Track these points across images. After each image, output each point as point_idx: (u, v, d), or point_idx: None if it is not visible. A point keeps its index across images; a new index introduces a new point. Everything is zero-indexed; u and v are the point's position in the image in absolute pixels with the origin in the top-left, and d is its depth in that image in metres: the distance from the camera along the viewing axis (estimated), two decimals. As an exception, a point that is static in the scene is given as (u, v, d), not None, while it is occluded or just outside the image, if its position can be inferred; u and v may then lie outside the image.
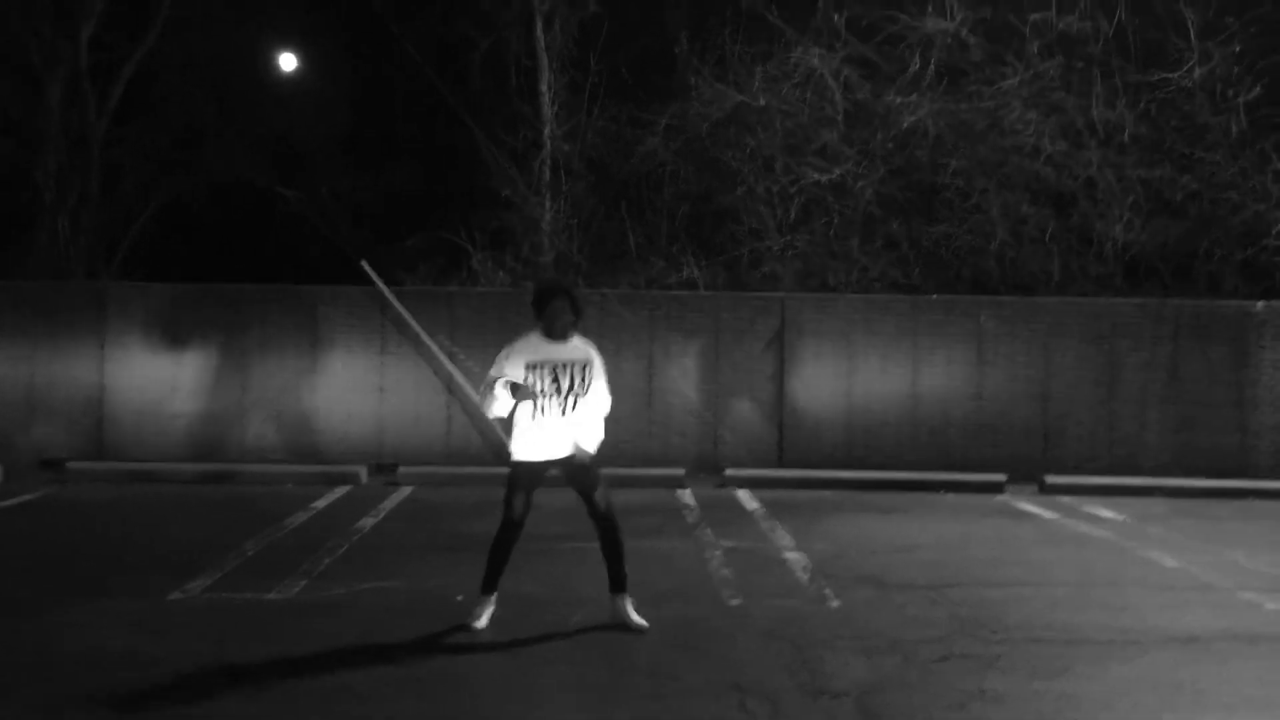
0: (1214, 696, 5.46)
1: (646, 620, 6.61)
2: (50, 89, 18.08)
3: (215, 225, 21.05)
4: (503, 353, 6.50)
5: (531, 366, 6.39)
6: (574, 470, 6.50)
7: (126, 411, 13.55)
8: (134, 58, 18.94)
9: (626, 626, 6.47)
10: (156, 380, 13.59)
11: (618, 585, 6.63)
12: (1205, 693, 5.51)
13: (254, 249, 20.49)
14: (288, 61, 17.87)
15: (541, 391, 6.35)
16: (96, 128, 18.78)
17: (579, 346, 6.52)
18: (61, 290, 14.26)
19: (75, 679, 5.48)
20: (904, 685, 5.54)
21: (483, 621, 6.45)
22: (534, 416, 6.40)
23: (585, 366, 6.47)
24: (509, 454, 6.59)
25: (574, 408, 6.40)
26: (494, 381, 6.40)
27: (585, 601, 7.04)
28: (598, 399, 6.55)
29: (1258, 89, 15.27)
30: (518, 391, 6.29)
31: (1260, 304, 13.92)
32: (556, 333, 6.44)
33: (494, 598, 6.57)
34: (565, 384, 6.40)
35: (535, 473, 6.55)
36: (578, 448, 6.44)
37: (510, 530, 6.62)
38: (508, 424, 6.62)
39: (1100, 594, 7.60)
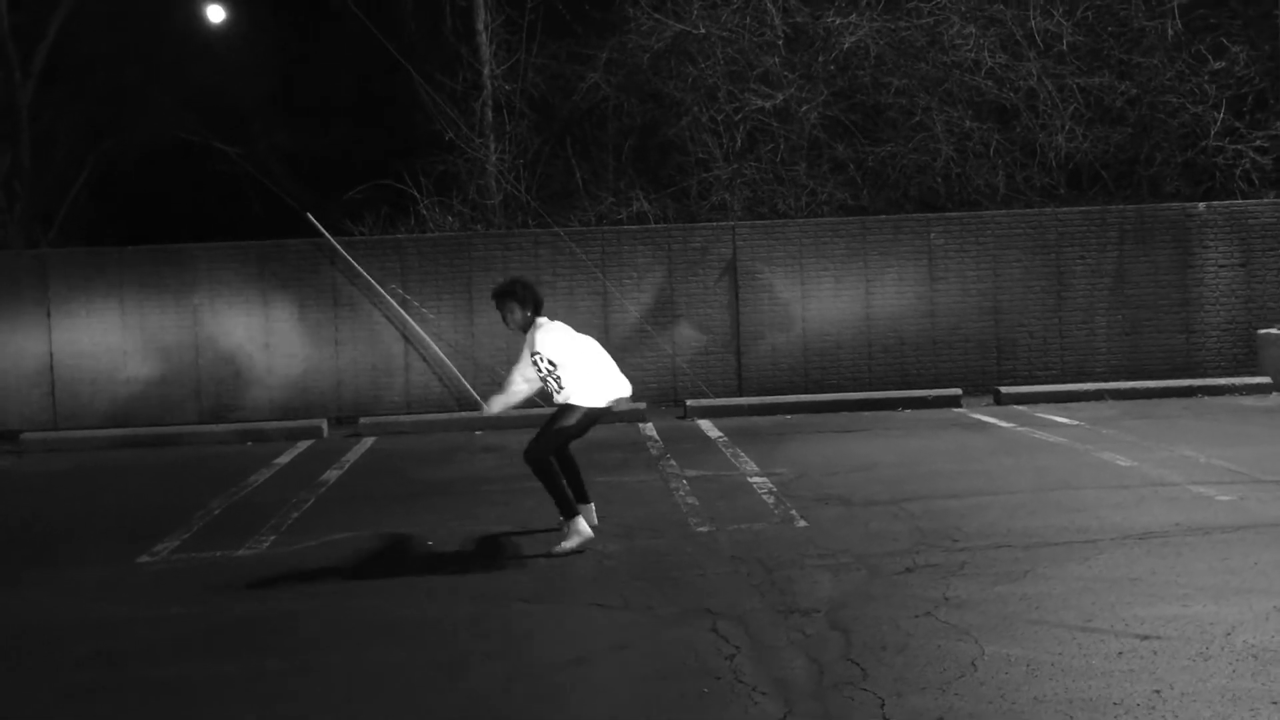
0: (1170, 588, 5.63)
1: (617, 553, 6.76)
2: (-30, 54, 17.61)
3: (152, 187, 20.70)
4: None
5: (530, 358, 6.95)
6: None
7: (78, 380, 13.40)
8: (57, 17, 18.43)
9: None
10: (107, 347, 13.43)
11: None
12: (1161, 585, 5.69)
13: (194, 209, 20.20)
14: (215, 13, 17.45)
15: (543, 376, 6.93)
16: (23, 92, 18.31)
17: (531, 338, 6.91)
18: (2, 260, 14.00)
19: (49, 648, 5.48)
20: (871, 597, 5.67)
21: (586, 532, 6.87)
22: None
23: (536, 355, 6.85)
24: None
25: (560, 387, 6.87)
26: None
27: (554, 539, 7.11)
28: (576, 369, 6.87)
29: (1192, -10, 15.35)
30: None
31: (1202, 205, 14.12)
32: (513, 329, 7.07)
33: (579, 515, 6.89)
34: (540, 370, 6.90)
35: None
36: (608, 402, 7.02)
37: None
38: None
39: (1057, 497, 7.79)
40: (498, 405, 7.20)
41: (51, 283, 13.42)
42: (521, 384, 7.14)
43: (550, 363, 6.83)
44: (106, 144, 19.85)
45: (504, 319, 7.03)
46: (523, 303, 6.94)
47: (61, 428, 13.20)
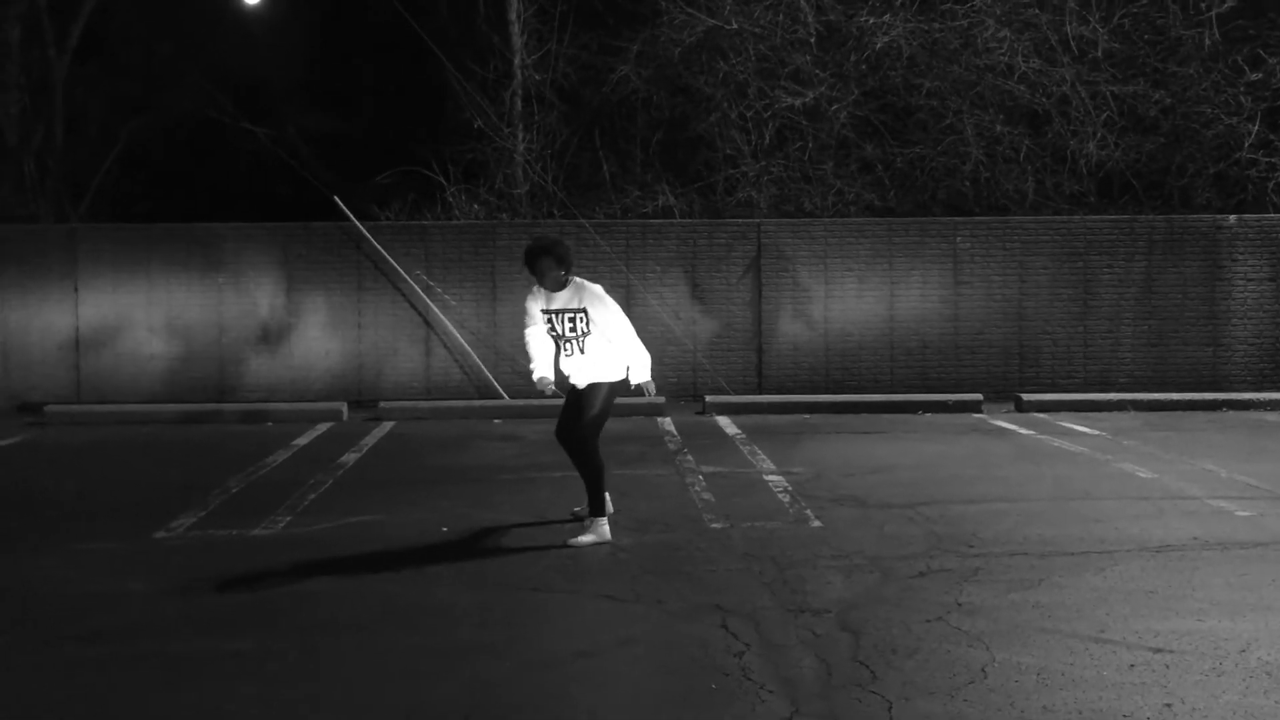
0: (1185, 602, 5.59)
1: (630, 546, 6.76)
2: (8, 28, 17.73)
3: (181, 165, 20.81)
4: (527, 300, 7.15)
5: (545, 313, 7.03)
6: (582, 396, 7.01)
7: (103, 354, 13.50)
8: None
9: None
10: (132, 322, 13.53)
11: (589, 509, 7.03)
12: (1177, 598, 5.64)
13: (222, 188, 20.30)
14: (250, -7, 17.51)
15: (550, 334, 7.03)
16: (57, 67, 18.45)
17: (572, 295, 6.96)
18: (33, 233, 14.12)
19: (61, 619, 5.52)
20: (883, 600, 5.65)
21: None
22: (559, 355, 7.08)
23: (578, 313, 6.93)
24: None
25: (582, 349, 6.95)
26: (528, 341, 7.21)
27: (568, 530, 7.11)
28: (614, 335, 6.98)
29: (1231, 0, 15.19)
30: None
31: (1233, 217, 13.99)
32: (548, 287, 7.00)
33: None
34: (562, 329, 6.95)
35: (568, 397, 7.12)
36: (635, 384, 7.17)
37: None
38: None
39: (1075, 507, 7.73)
40: (549, 372, 7.10)
41: (80, 257, 13.52)
42: (543, 345, 7.10)
43: (589, 323, 6.88)
44: (138, 121, 19.97)
45: (540, 277, 6.95)
46: (560, 260, 6.92)
47: (85, 401, 13.31)
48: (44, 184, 18.18)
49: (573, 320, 6.92)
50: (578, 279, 7.03)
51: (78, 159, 19.45)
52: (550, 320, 6.98)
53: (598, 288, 7.03)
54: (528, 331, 7.15)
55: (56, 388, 13.44)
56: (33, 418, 12.67)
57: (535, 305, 7.06)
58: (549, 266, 6.90)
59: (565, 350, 6.99)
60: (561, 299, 6.95)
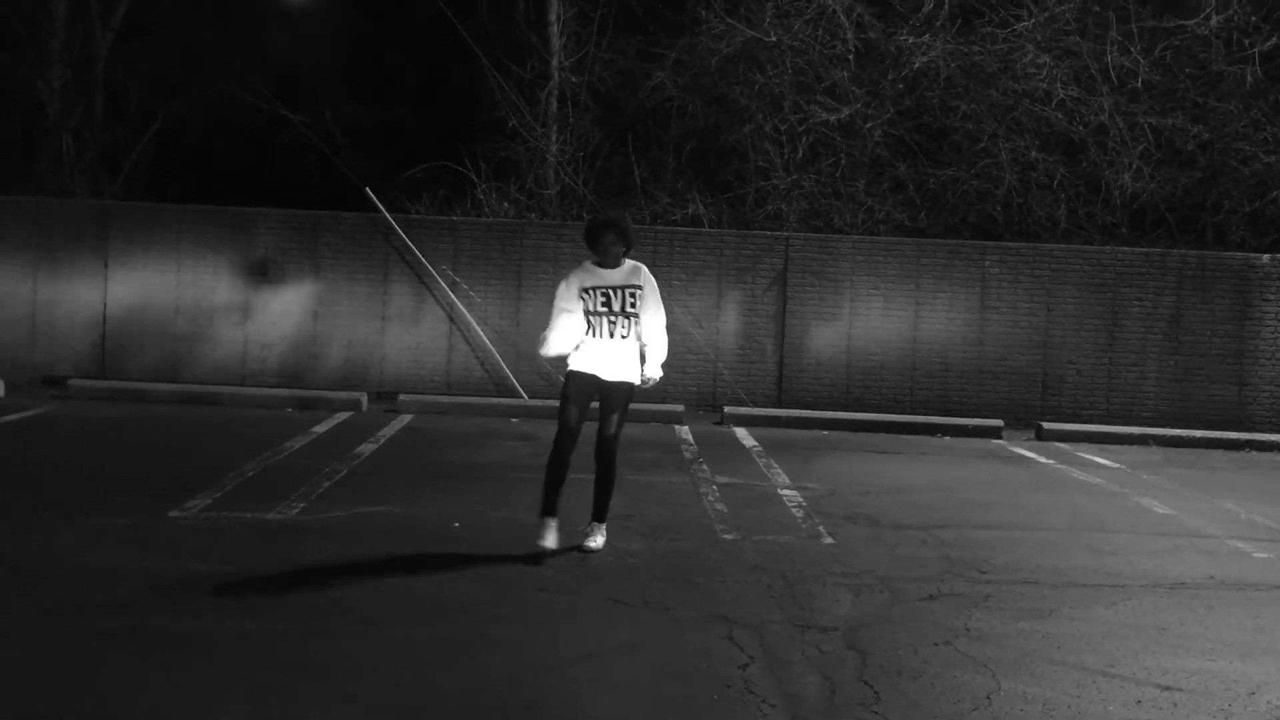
0: (1197, 641, 5.53)
1: (640, 552, 6.77)
2: (54, 2, 17.91)
3: (217, 147, 20.92)
4: (560, 285, 6.78)
5: (586, 290, 6.67)
6: (609, 395, 6.71)
7: (129, 331, 13.59)
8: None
9: (579, 547, 6.75)
10: (159, 301, 13.61)
11: (597, 515, 6.94)
12: (1188, 637, 5.59)
13: (256, 174, 20.38)
14: (295, -17, 17.65)
15: (594, 312, 6.63)
16: (100, 45, 18.60)
17: (630, 272, 6.75)
18: (67, 208, 14.23)
19: (71, 593, 5.56)
20: (891, 621, 5.62)
21: (549, 542, 6.57)
22: (591, 334, 6.68)
23: (636, 290, 6.69)
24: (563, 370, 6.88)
25: (626, 332, 6.66)
26: (557, 320, 6.75)
27: (579, 532, 7.10)
28: (654, 324, 6.78)
29: (1275, 38, 15.08)
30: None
31: (1266, 257, 13.87)
32: (608, 264, 6.74)
33: (554, 521, 6.64)
34: (617, 305, 6.65)
35: (584, 385, 6.72)
36: (644, 373, 6.81)
37: (562, 440, 6.70)
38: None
39: (1090, 539, 7.68)
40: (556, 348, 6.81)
41: (112, 234, 13.62)
42: (570, 331, 6.71)
43: (634, 301, 6.64)
44: (177, 102, 20.11)
45: (605, 249, 6.67)
46: (623, 237, 6.73)
47: (109, 377, 13.40)
48: (81, 160, 18.33)
49: (633, 296, 6.64)
50: (633, 261, 6.84)
51: (115, 137, 19.60)
52: (606, 296, 6.59)
53: (646, 270, 6.84)
54: (560, 316, 6.69)
55: (81, 362, 13.53)
56: (56, 390, 12.76)
57: (573, 285, 6.67)
58: (612, 242, 6.68)
59: (621, 330, 6.63)
60: (617, 276, 6.68)
